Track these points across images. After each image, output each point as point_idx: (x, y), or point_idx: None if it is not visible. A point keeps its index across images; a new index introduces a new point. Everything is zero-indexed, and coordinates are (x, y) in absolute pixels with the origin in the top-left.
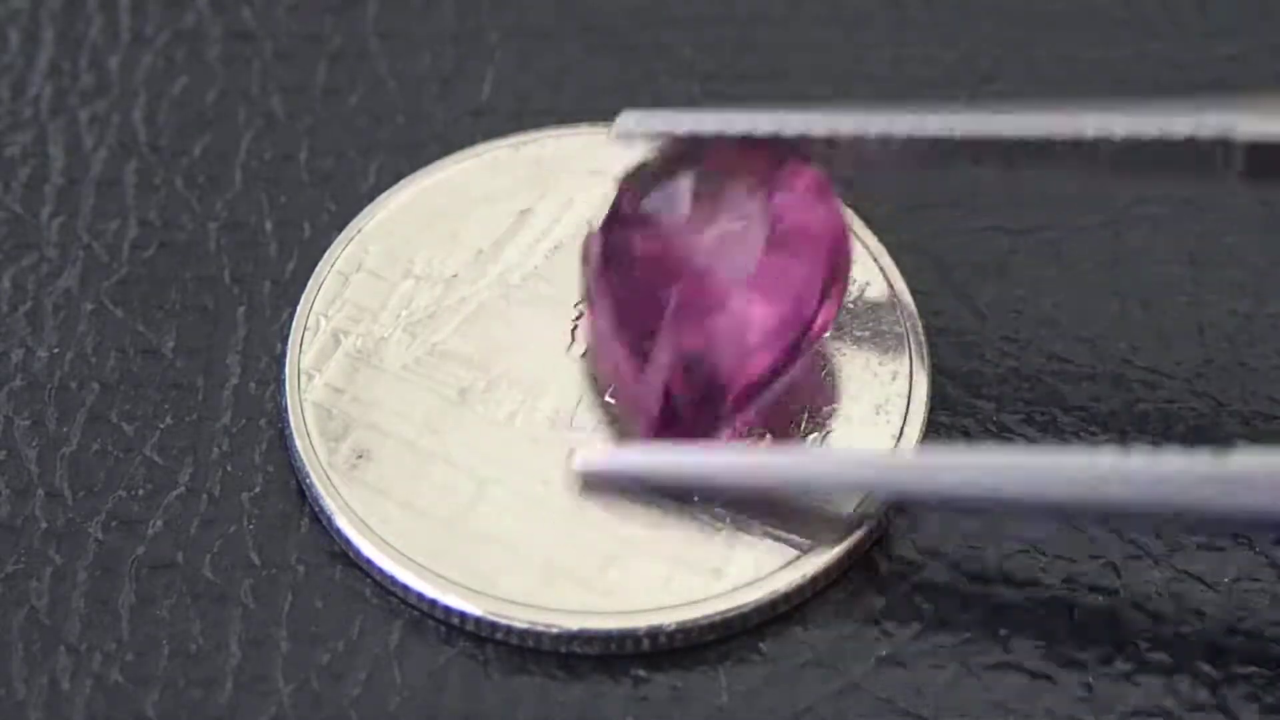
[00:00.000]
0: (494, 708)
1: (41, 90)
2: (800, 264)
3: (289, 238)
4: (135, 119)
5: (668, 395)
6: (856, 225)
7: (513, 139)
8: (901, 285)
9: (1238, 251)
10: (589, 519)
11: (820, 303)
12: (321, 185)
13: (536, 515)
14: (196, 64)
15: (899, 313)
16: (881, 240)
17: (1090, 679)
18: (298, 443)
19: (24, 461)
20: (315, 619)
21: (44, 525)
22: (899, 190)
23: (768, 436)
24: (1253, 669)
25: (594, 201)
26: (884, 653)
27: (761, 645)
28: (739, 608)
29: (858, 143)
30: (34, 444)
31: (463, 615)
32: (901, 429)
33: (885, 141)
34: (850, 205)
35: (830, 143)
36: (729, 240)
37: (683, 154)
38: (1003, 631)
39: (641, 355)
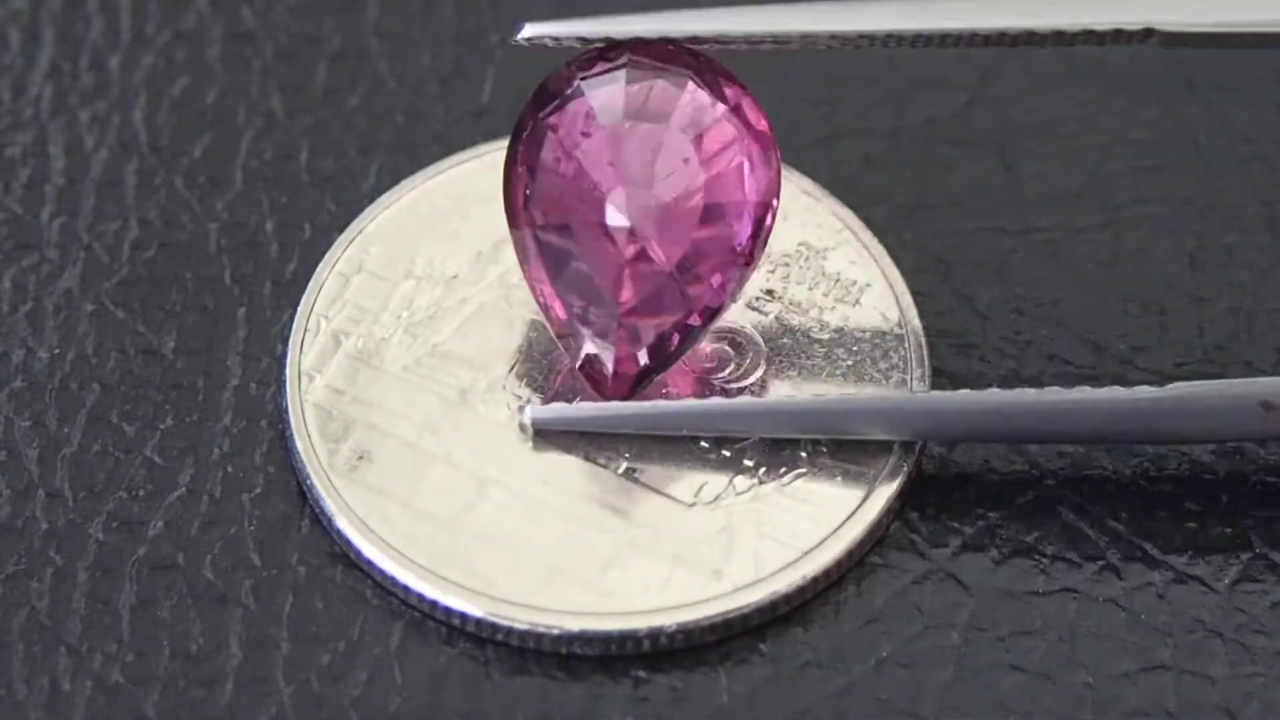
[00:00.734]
0: (494, 708)
1: (42, 91)
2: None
3: (289, 238)
4: (136, 119)
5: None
6: (856, 226)
7: None
8: (901, 285)
9: (1238, 252)
10: (589, 520)
11: (751, 240)
12: (322, 186)
13: (537, 516)
14: (197, 64)
15: (899, 313)
16: (881, 240)
17: (1090, 679)
18: (298, 444)
19: (25, 462)
20: (316, 620)
21: (45, 526)
22: (899, 191)
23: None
24: (1253, 669)
25: None
26: (884, 653)
27: (762, 646)
28: (739, 608)
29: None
30: (35, 445)
31: (463, 616)
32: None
33: (804, 38)
34: (850, 206)
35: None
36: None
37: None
38: (1002, 632)
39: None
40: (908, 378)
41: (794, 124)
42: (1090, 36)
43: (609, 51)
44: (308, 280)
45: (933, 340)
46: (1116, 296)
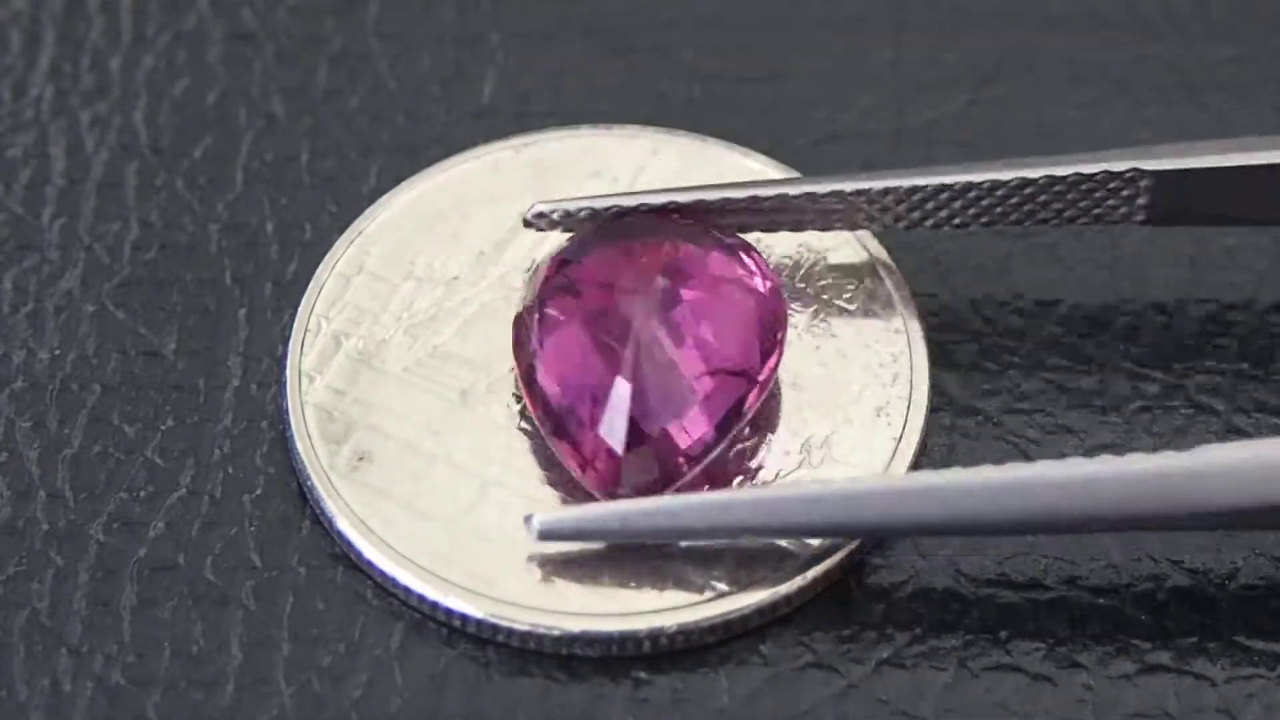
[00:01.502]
0: (495, 710)
1: (43, 92)
2: (732, 328)
3: (290, 239)
4: (136, 120)
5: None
6: None
7: (514, 140)
8: (902, 286)
9: (1237, 252)
10: None
11: (761, 362)
12: (323, 187)
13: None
14: (197, 65)
15: (899, 314)
16: (881, 242)
17: (1090, 680)
18: (299, 445)
19: (25, 463)
20: (316, 621)
21: (45, 527)
22: None
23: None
24: (1253, 670)
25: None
26: (884, 655)
27: (762, 647)
28: (739, 610)
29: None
30: (35, 446)
31: (464, 617)
32: (902, 430)
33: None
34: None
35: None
36: (657, 305)
37: (605, 227)
38: (1003, 633)
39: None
40: (907, 377)
41: (795, 125)
42: (1080, 178)
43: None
44: (308, 281)
45: (933, 341)
46: (1117, 298)
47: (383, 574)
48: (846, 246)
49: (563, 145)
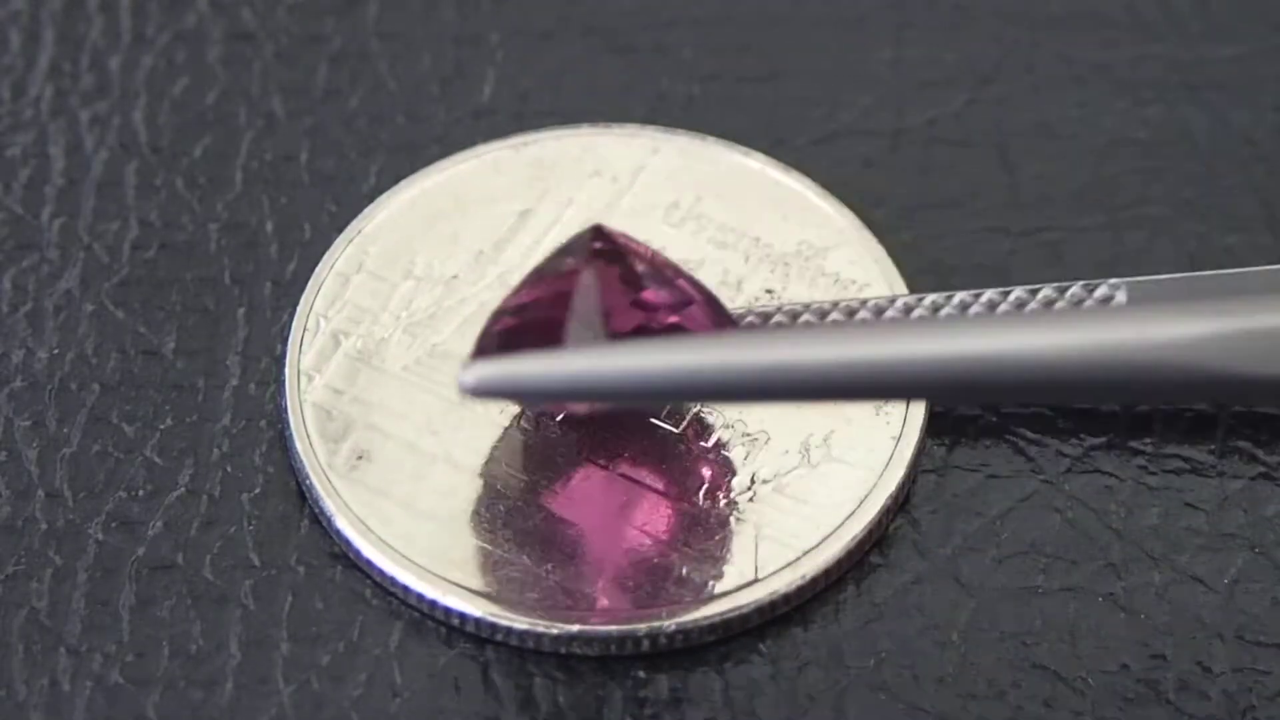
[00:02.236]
0: (494, 709)
1: (42, 91)
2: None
3: (289, 239)
4: (136, 120)
5: None
6: (857, 226)
7: (513, 140)
8: (902, 287)
9: (1238, 252)
10: (589, 521)
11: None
12: (322, 186)
13: (537, 516)
14: (197, 65)
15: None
16: (881, 242)
17: (1090, 681)
18: (298, 444)
19: (24, 462)
20: (315, 620)
21: (44, 526)
22: (899, 191)
23: None
24: (1254, 671)
25: (594, 202)
26: (884, 653)
27: (761, 645)
28: (739, 608)
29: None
30: (34, 445)
31: (463, 616)
32: (901, 429)
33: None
34: (851, 207)
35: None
36: None
37: None
38: (1002, 632)
39: None
40: None
41: (794, 124)
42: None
43: None
44: (307, 280)
45: None
46: None
47: (382, 573)
48: (846, 246)
49: (562, 144)
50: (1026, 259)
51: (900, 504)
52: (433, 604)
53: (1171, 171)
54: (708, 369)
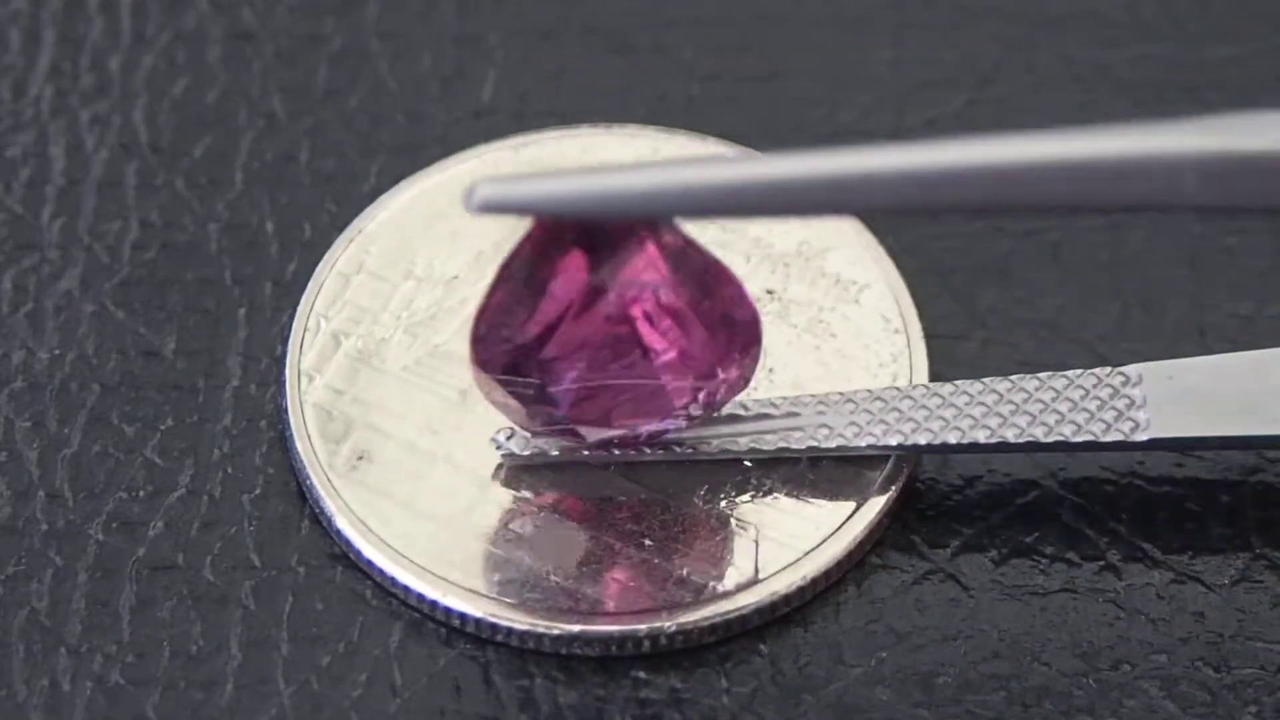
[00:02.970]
0: (494, 709)
1: (42, 91)
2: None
3: (290, 239)
4: (136, 120)
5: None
6: (857, 226)
7: (513, 140)
8: (902, 287)
9: (1238, 253)
10: (590, 521)
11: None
12: (322, 186)
13: (537, 516)
14: (197, 65)
15: (898, 314)
16: (881, 242)
17: (1091, 681)
18: (298, 444)
19: (25, 463)
20: (316, 620)
21: (45, 527)
22: None
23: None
24: (1253, 671)
25: None
26: (884, 653)
27: (761, 646)
28: (739, 609)
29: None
30: (35, 445)
31: (463, 617)
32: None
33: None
34: None
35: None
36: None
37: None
38: (1002, 633)
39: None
40: (907, 377)
41: (795, 124)
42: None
43: None
44: (308, 280)
45: (932, 341)
46: (1117, 298)
47: (382, 573)
48: (846, 247)
49: (562, 145)
50: (1026, 259)
51: (901, 504)
52: (433, 604)
53: None
54: (712, 185)
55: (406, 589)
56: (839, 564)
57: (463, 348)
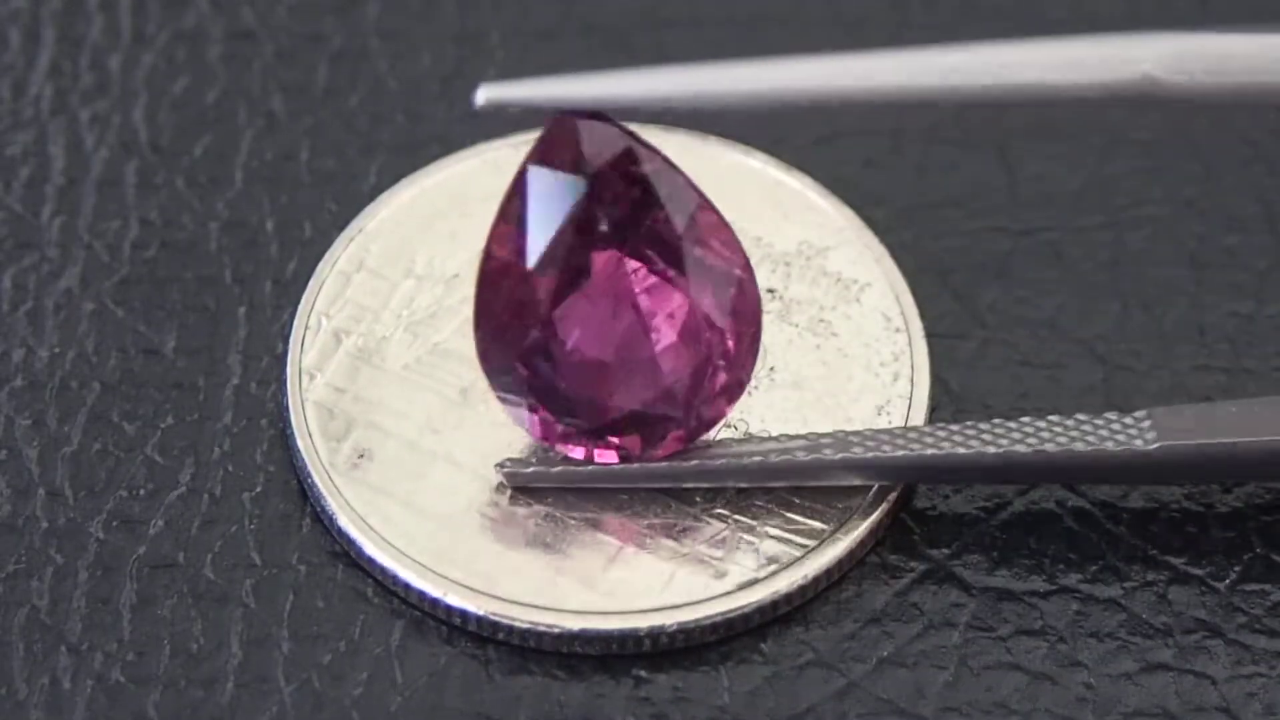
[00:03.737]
0: (495, 708)
1: (42, 90)
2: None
3: (290, 237)
4: (136, 119)
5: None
6: (857, 225)
7: (513, 139)
8: (902, 285)
9: (1238, 253)
10: (590, 519)
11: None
12: (322, 185)
13: (538, 515)
14: (197, 64)
15: (899, 314)
16: (882, 240)
17: (1090, 679)
18: (299, 442)
19: (25, 461)
20: (316, 619)
21: (45, 525)
22: (900, 191)
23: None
24: (1253, 669)
25: None
26: (885, 653)
27: (763, 646)
28: (740, 608)
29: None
30: (35, 444)
31: (464, 615)
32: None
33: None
34: (851, 206)
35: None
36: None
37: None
38: (1003, 632)
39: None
40: (908, 376)
41: (795, 123)
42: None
43: None
44: (308, 279)
45: (933, 340)
46: (1117, 298)
47: (383, 572)
48: (847, 245)
49: None
50: (1026, 259)
51: (901, 504)
52: (434, 602)
53: (1171, 171)
54: (715, 91)
55: (407, 587)
56: (839, 564)
57: (463, 346)
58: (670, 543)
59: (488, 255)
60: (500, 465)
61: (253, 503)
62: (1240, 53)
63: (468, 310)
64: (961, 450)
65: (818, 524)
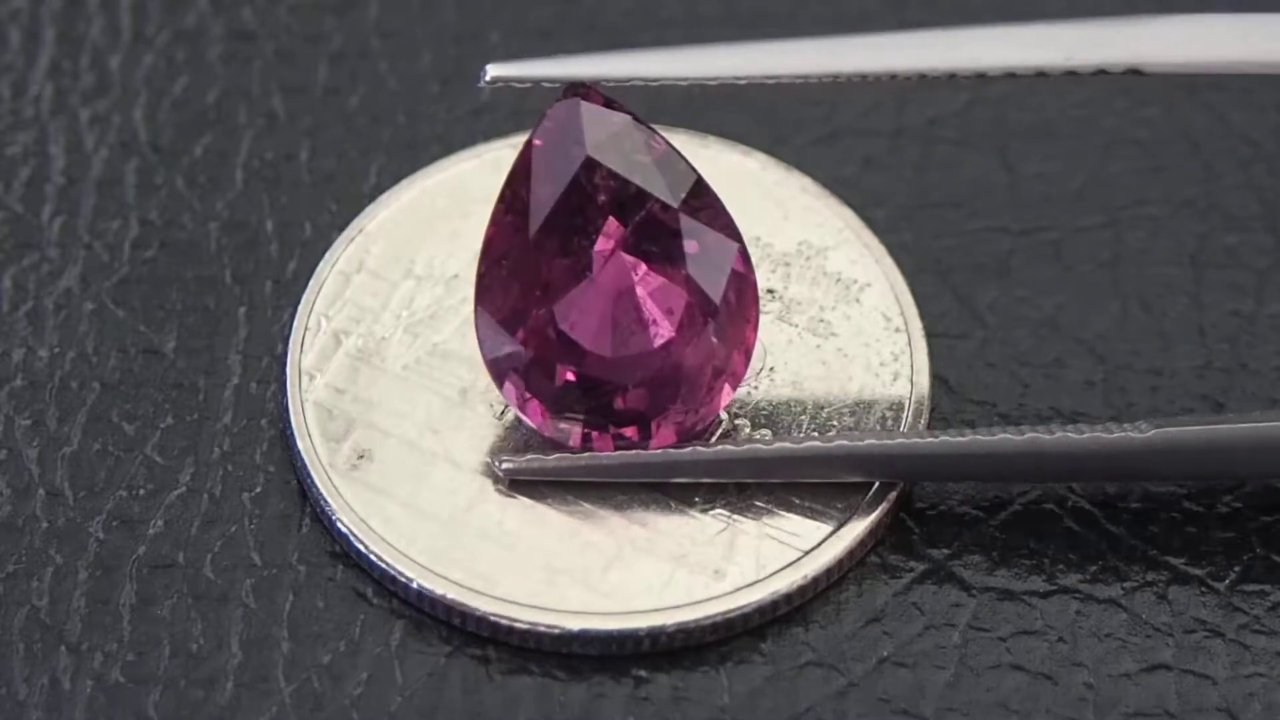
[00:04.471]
0: (495, 708)
1: (42, 90)
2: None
3: (290, 238)
4: (136, 119)
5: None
6: (857, 225)
7: (513, 139)
8: (902, 285)
9: (1238, 252)
10: (590, 520)
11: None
12: (322, 185)
13: (538, 516)
14: (197, 64)
15: (899, 313)
16: (882, 240)
17: (1091, 678)
18: (299, 443)
19: (25, 461)
20: (316, 619)
21: (45, 525)
22: (900, 190)
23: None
24: (1253, 669)
25: None
26: (885, 653)
27: (762, 645)
28: (740, 608)
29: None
30: (35, 444)
31: (464, 615)
32: (902, 429)
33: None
34: (851, 206)
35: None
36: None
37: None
38: (1003, 632)
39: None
40: (908, 375)
41: (795, 123)
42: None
43: None
44: (308, 279)
45: (932, 340)
46: (1117, 297)
47: (383, 572)
48: (847, 245)
49: None
50: (1026, 258)
51: (901, 504)
52: (434, 602)
53: (1171, 171)
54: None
55: (407, 587)
56: (839, 564)
57: (463, 346)
58: (670, 543)
59: (491, 227)
60: (496, 458)
61: (252, 503)
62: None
63: (467, 310)
64: (956, 439)
65: (817, 524)
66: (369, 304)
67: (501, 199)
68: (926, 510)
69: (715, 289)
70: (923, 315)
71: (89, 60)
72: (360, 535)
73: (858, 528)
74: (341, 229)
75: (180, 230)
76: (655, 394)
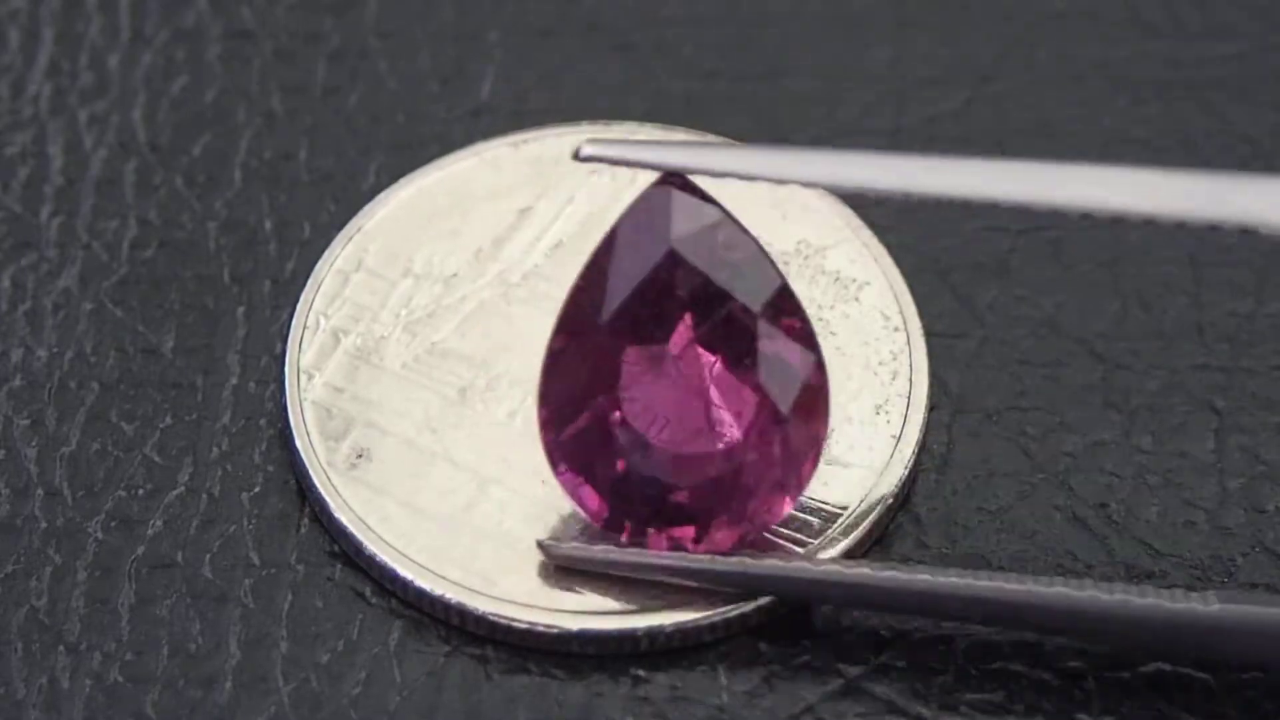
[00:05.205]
0: (494, 707)
1: (41, 90)
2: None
3: (289, 237)
4: (135, 118)
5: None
6: (856, 224)
7: (512, 137)
8: (902, 285)
9: (1238, 252)
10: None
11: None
12: (321, 184)
13: (537, 514)
14: (196, 63)
15: (899, 313)
16: (881, 240)
17: (1090, 682)
18: (297, 442)
19: (23, 461)
20: (315, 618)
21: (44, 525)
22: None
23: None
24: (1253, 673)
25: (594, 199)
26: (884, 654)
27: (761, 645)
28: (738, 608)
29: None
30: (33, 443)
31: (463, 615)
32: (901, 428)
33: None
34: (850, 205)
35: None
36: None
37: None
38: (1001, 633)
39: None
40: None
41: (794, 122)
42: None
43: None
44: (307, 279)
45: (932, 339)
46: (1117, 297)
47: (381, 571)
48: (846, 245)
49: (561, 142)
50: (1026, 258)
51: (901, 503)
52: (432, 602)
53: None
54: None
55: (406, 586)
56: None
57: (462, 345)
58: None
59: (569, 303)
60: (541, 543)
61: (251, 502)
62: None
63: (466, 309)
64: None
65: (818, 524)
66: (368, 303)
67: (583, 275)
68: (927, 509)
69: (786, 399)
70: (922, 315)
71: (88, 60)
72: (359, 534)
73: (857, 527)
74: (340, 228)
75: (179, 230)
76: (712, 496)
